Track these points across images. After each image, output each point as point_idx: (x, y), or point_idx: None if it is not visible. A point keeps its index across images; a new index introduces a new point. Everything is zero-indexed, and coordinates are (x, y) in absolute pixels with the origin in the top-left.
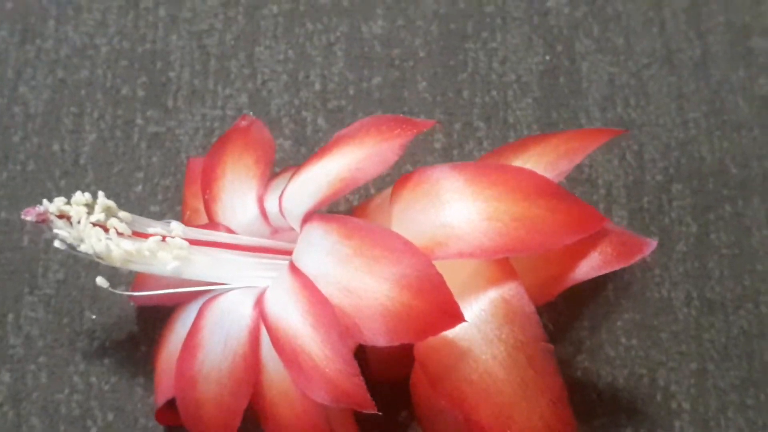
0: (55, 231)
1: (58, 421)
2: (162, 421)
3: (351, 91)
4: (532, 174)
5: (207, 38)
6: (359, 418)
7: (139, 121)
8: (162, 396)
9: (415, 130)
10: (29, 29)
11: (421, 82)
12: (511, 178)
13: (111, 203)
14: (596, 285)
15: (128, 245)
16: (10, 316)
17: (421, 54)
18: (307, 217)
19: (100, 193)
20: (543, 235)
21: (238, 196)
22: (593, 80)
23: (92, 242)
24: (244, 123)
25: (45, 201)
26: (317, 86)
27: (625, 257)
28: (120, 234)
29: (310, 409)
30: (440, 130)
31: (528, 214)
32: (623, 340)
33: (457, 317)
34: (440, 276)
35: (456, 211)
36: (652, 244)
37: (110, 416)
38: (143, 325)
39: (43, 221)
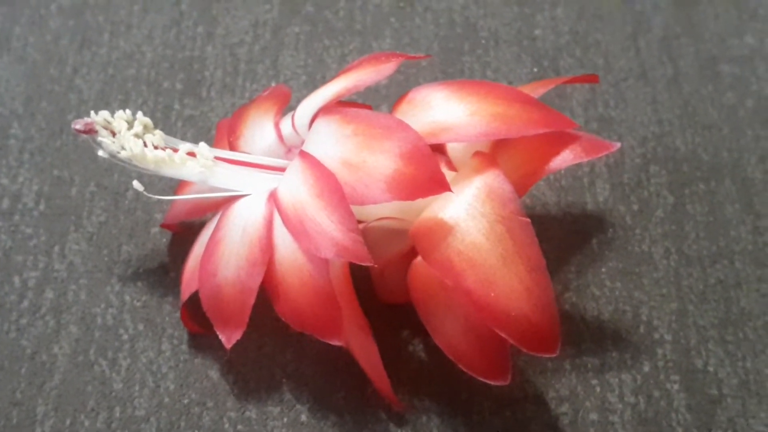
0: (99, 139)
1: (94, 329)
2: (186, 323)
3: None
4: (510, 87)
5: (238, 48)
6: None
7: (176, 106)
8: (186, 292)
9: (408, 58)
10: (87, 39)
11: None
12: (491, 89)
13: (148, 121)
14: (581, 238)
15: (162, 153)
16: (56, 248)
17: (423, 63)
18: (314, 117)
19: (139, 112)
20: (517, 127)
21: (258, 128)
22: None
23: (131, 146)
24: (266, 93)
25: (92, 112)
26: None
27: (593, 152)
28: (156, 146)
29: (316, 274)
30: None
31: (505, 113)
32: (607, 283)
33: (443, 185)
34: (429, 149)
35: (444, 111)
36: (616, 144)
37: (140, 326)
38: (173, 257)
39: (89, 131)
